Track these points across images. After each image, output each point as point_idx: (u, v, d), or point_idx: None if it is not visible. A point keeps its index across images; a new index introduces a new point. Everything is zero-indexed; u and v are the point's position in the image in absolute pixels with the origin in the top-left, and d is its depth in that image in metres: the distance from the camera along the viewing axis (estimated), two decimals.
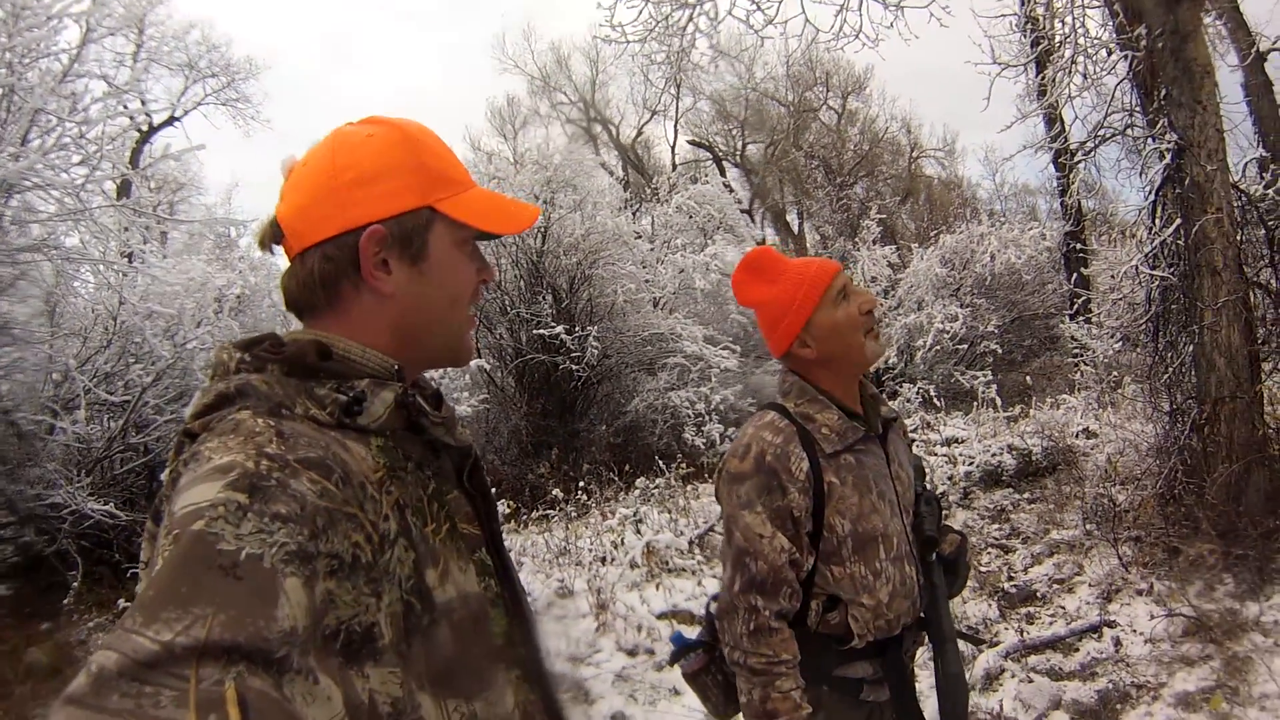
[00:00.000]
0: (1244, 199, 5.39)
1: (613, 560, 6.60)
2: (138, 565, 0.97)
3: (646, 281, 12.82)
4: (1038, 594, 5.53)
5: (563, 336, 11.03)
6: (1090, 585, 5.35)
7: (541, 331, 11.28)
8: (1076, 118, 6.42)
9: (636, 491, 8.67)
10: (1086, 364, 10.98)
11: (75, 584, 7.05)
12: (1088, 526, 6.10)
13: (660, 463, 9.13)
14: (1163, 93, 5.10)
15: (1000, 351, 13.37)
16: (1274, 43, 6.48)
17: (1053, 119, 8.36)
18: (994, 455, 8.44)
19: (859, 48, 7.69)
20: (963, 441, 9.38)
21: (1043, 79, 6.69)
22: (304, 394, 0.95)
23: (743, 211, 16.98)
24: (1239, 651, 4.12)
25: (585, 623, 5.47)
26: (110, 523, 7.34)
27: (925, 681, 2.00)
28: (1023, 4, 6.95)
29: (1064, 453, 8.40)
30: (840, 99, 30.04)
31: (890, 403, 2.15)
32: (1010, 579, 5.91)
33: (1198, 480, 5.05)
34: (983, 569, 6.17)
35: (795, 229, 31.29)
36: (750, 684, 1.77)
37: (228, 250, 11.40)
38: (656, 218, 15.11)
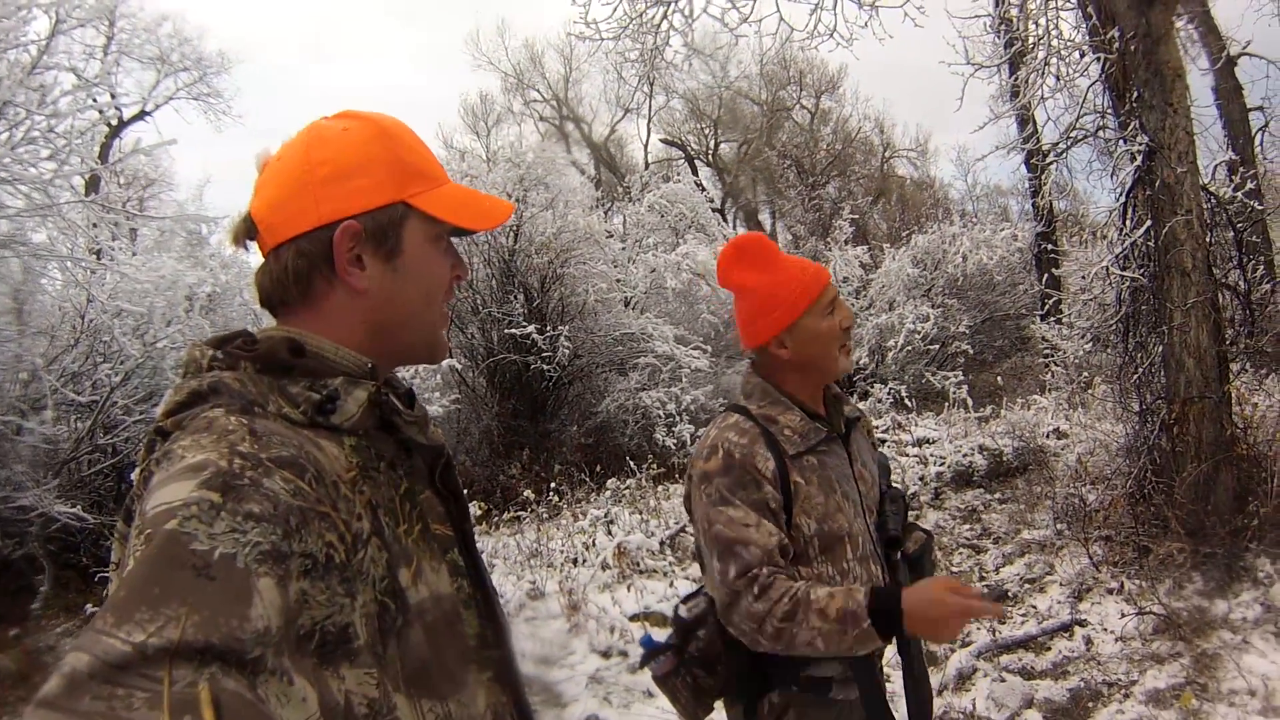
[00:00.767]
0: (1213, 201, 5.45)
1: (584, 561, 6.57)
2: (106, 569, 0.95)
3: (618, 281, 12.80)
4: (1009, 593, 5.56)
5: (534, 336, 10.98)
6: (1061, 584, 5.39)
7: (513, 331, 11.23)
8: (1049, 119, 6.50)
9: (608, 492, 8.66)
10: (1057, 364, 11.08)
11: (44, 588, 6.91)
12: (1058, 526, 6.15)
13: (631, 463, 9.14)
14: (1134, 95, 5.14)
15: (971, 352, 13.47)
16: (1244, 47, 6.57)
17: (1025, 120, 8.43)
18: (965, 455, 8.50)
19: (833, 47, 7.70)
20: (934, 442, 9.44)
21: (1016, 80, 6.72)
22: (277, 392, 0.94)
23: (715, 211, 16.94)
24: (1208, 648, 4.17)
25: (557, 624, 5.43)
26: (78, 526, 7.19)
27: (895, 680, 1.99)
28: (997, 5, 6.98)
29: (1035, 453, 8.48)
30: (814, 98, 30.24)
31: (854, 402, 2.14)
32: (982, 579, 5.94)
33: (1167, 480, 5.10)
34: (954, 569, 6.20)
35: (768, 228, 31.37)
36: (796, 626, 1.71)
37: (199, 247, 11.18)
38: (628, 217, 15.10)
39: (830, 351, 1.92)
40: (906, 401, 11.83)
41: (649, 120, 30.77)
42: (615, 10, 8.03)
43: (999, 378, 12.53)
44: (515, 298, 11.78)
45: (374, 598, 0.89)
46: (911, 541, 2.03)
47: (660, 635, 2.02)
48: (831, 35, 7.74)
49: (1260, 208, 6.19)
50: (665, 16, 8.15)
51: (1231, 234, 5.61)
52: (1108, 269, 5.67)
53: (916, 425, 10.48)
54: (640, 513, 7.68)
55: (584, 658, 5.08)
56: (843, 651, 1.73)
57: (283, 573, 0.75)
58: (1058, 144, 6.41)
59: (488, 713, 1.03)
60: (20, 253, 7.53)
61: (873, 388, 12.49)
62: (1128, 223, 5.38)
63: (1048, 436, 9.00)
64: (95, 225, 8.31)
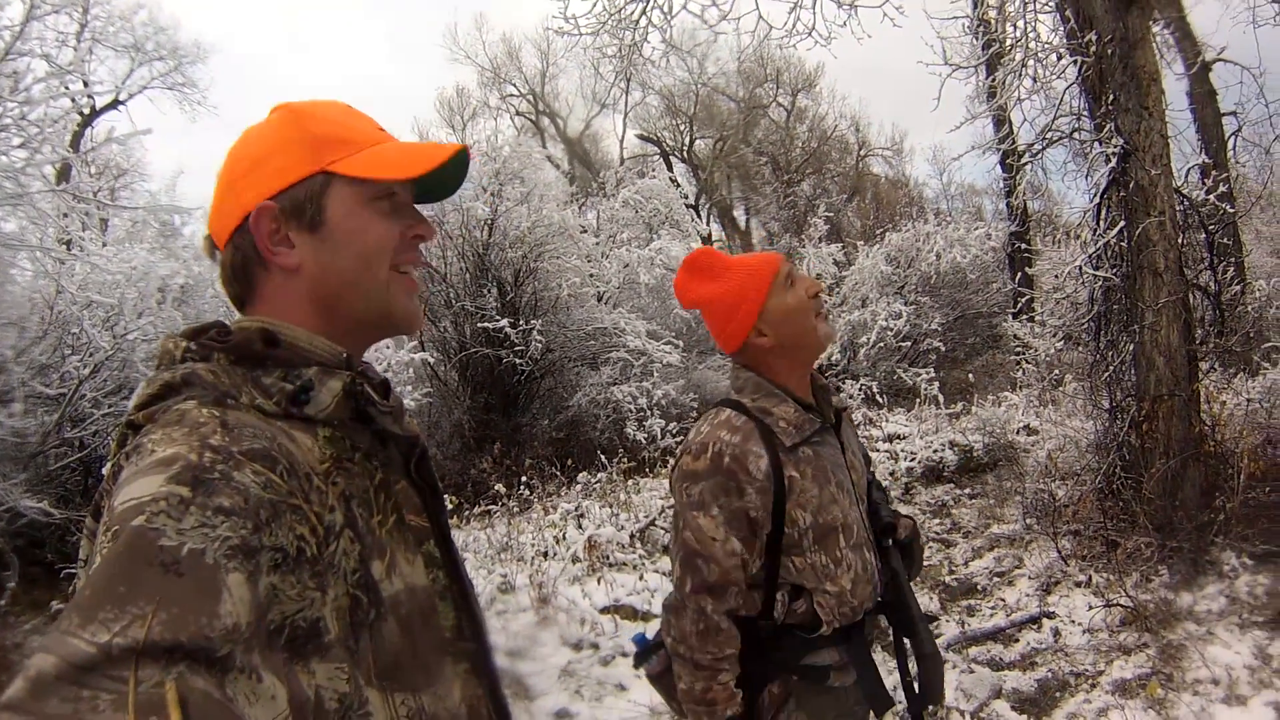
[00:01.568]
0: (1186, 203, 5.53)
1: (554, 555, 6.55)
2: (73, 565, 0.93)
3: (591, 276, 12.77)
4: (978, 587, 5.62)
5: (507, 330, 10.93)
6: (1030, 578, 5.45)
7: (486, 325, 11.17)
8: (1025, 120, 6.53)
9: (578, 486, 8.64)
10: (1028, 362, 11.20)
11: (11, 585, 6.78)
12: (1028, 521, 6.22)
13: (602, 457, 9.15)
14: (1110, 98, 5.19)
15: (943, 349, 13.54)
16: (1219, 53, 6.66)
17: (1001, 121, 8.52)
18: (936, 451, 8.57)
19: (811, 45, 7.76)
20: (905, 438, 9.50)
21: (993, 81, 6.78)
22: (250, 383, 0.93)
23: (689, 207, 16.95)
24: (1174, 640, 4.24)
25: (527, 617, 5.40)
26: (45, 521, 7.04)
27: (885, 665, 2.00)
28: (975, 6, 7.04)
29: (1005, 449, 8.57)
30: (790, 96, 30.34)
31: (839, 394, 2.15)
32: (951, 572, 6.00)
33: (1136, 475, 5.17)
34: (925, 563, 6.23)
35: (742, 225, 31.55)
36: (694, 676, 1.79)
37: (171, 239, 11.07)
38: (602, 212, 15.04)
39: (806, 322, 1.91)
40: (878, 398, 11.88)
41: (625, 116, 30.76)
42: (594, 6, 8.03)
43: (970, 375, 12.62)
44: (489, 291, 11.72)
45: (346, 591, 0.88)
46: (901, 528, 2.04)
47: (630, 629, 2.03)
48: (810, 34, 7.80)
49: (1231, 210, 6.29)
50: (644, 13, 8.16)
51: (1203, 236, 5.70)
52: (1081, 268, 5.73)
53: (888, 421, 10.54)
54: (611, 506, 7.67)
55: (554, 650, 5.05)
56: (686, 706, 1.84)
57: (253, 568, 0.74)
58: (1033, 145, 6.47)
59: (462, 705, 1.03)
60: None
61: (844, 384, 12.54)
62: (1101, 223, 5.44)
63: (1018, 433, 9.10)
64: (66, 215, 8.15)
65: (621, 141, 30.99)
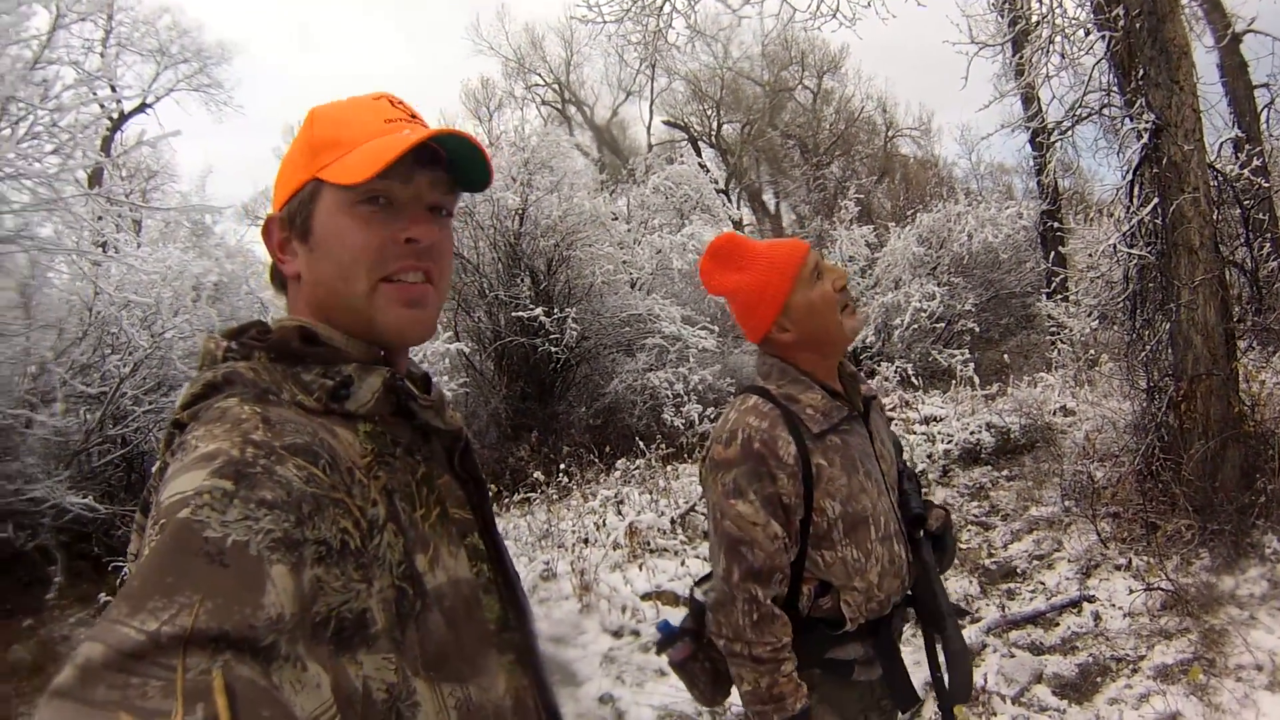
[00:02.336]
0: (1220, 179, 5.45)
1: (595, 542, 6.60)
2: (118, 559, 0.97)
3: (624, 262, 12.75)
4: (1018, 570, 5.60)
5: (541, 319, 10.98)
6: (1069, 561, 5.42)
7: (520, 314, 11.23)
8: (1054, 97, 6.46)
9: (617, 473, 8.69)
10: (1064, 342, 11.08)
11: (58, 579, 6.97)
12: (1066, 503, 6.17)
13: (640, 443, 9.17)
14: (1140, 73, 5.12)
15: (977, 330, 13.40)
16: (1249, 24, 6.54)
17: (1030, 98, 8.43)
18: (972, 433, 8.51)
19: (836, 27, 7.72)
20: (941, 420, 9.43)
21: (1020, 58, 6.71)
22: (291, 380, 0.95)
23: (719, 191, 16.88)
24: (1215, 624, 4.20)
25: (569, 604, 5.47)
26: (90, 516, 7.25)
27: (910, 657, 2.00)
28: None
29: (1042, 430, 8.49)
30: (816, 78, 30.03)
31: (868, 381, 2.12)
32: (990, 555, 5.98)
33: (1175, 457, 5.11)
34: (963, 546, 6.23)
35: (771, 209, 31.35)
36: (756, 672, 1.73)
37: (203, 237, 11.23)
38: (633, 199, 15.02)
39: (831, 318, 1.86)
40: (913, 380, 11.81)
41: (651, 103, 30.74)
42: None
43: (1005, 355, 12.48)
44: (522, 280, 11.78)
45: (391, 583, 0.89)
46: (933, 519, 2.00)
47: (673, 615, 2.03)
48: (834, 15, 7.75)
49: (1266, 185, 6.18)
50: None
51: (1238, 211, 5.62)
52: (1114, 246, 5.67)
53: (923, 403, 10.46)
54: (650, 492, 7.71)
55: (596, 637, 5.13)
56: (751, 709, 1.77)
57: (296, 560, 0.76)
58: (1062, 122, 6.40)
59: (508, 696, 1.03)
60: (27, 247, 7.52)
61: (879, 366, 12.48)
62: (1134, 200, 5.37)
63: (1055, 414, 9.00)
64: (100, 218, 8.34)
65: (649, 128, 30.96)
